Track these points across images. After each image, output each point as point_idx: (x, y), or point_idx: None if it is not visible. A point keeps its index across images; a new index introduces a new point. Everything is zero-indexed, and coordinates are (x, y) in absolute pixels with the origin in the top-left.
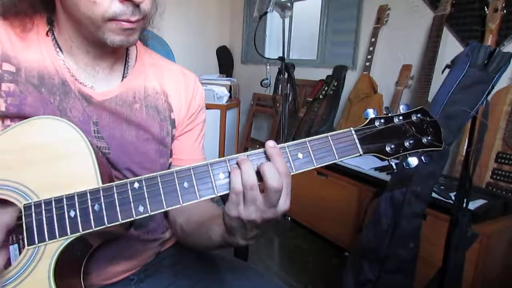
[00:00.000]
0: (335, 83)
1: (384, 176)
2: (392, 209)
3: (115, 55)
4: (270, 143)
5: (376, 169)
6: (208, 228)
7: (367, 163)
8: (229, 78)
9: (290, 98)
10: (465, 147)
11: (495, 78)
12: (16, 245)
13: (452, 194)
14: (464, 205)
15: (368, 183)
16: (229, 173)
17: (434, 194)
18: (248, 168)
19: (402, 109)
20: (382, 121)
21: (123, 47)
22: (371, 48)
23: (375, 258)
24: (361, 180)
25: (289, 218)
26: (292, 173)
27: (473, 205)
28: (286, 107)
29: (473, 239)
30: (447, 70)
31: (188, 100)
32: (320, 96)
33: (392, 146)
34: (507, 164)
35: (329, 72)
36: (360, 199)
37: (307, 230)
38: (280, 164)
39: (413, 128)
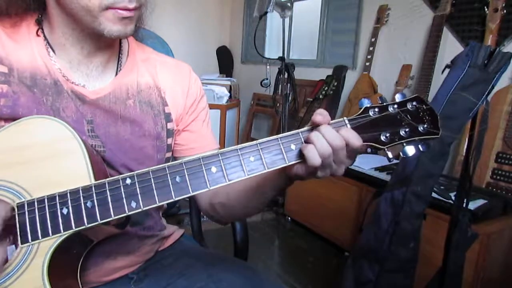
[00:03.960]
0: (335, 83)
1: (384, 176)
2: (392, 209)
3: (110, 49)
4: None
5: (376, 169)
6: (262, 191)
7: (367, 163)
8: (229, 78)
9: (290, 98)
10: (465, 147)
11: (495, 78)
12: (13, 246)
13: (452, 194)
14: (464, 205)
15: (368, 183)
16: (300, 150)
17: (434, 194)
18: (331, 130)
19: (397, 98)
20: (377, 110)
21: (120, 38)
22: (371, 48)
23: (375, 258)
24: (361, 180)
25: (289, 218)
26: (285, 165)
27: (473, 205)
28: (286, 107)
29: (473, 239)
30: (447, 70)
31: (185, 91)
32: (320, 96)
33: (387, 135)
34: (507, 164)
35: (329, 72)
36: (360, 199)
37: (307, 230)
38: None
39: (408, 116)
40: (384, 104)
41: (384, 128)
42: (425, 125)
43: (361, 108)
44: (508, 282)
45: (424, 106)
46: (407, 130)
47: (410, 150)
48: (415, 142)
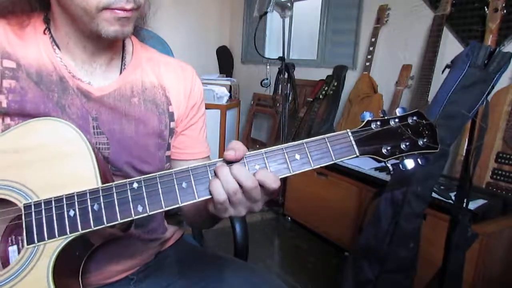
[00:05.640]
0: (335, 83)
1: (384, 176)
2: (392, 209)
3: (112, 50)
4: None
5: (376, 169)
6: (199, 214)
7: (367, 163)
8: (229, 78)
9: (290, 98)
10: (465, 147)
11: (495, 78)
12: (15, 246)
13: (452, 194)
14: (464, 205)
15: (368, 183)
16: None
17: (434, 194)
18: (227, 175)
19: (398, 112)
20: (378, 123)
21: (117, 38)
22: (371, 48)
23: (375, 258)
24: (361, 180)
25: (289, 218)
26: (289, 174)
27: (473, 205)
28: (286, 107)
29: (473, 239)
30: (447, 70)
31: (188, 92)
32: (320, 96)
33: (388, 148)
34: (507, 164)
35: (329, 72)
36: (360, 199)
37: (307, 230)
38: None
39: (409, 130)
40: (386, 117)
41: (385, 141)
42: (425, 140)
43: (363, 121)
44: (508, 282)
45: (424, 121)
46: (407, 144)
47: (409, 163)
48: (414, 155)
